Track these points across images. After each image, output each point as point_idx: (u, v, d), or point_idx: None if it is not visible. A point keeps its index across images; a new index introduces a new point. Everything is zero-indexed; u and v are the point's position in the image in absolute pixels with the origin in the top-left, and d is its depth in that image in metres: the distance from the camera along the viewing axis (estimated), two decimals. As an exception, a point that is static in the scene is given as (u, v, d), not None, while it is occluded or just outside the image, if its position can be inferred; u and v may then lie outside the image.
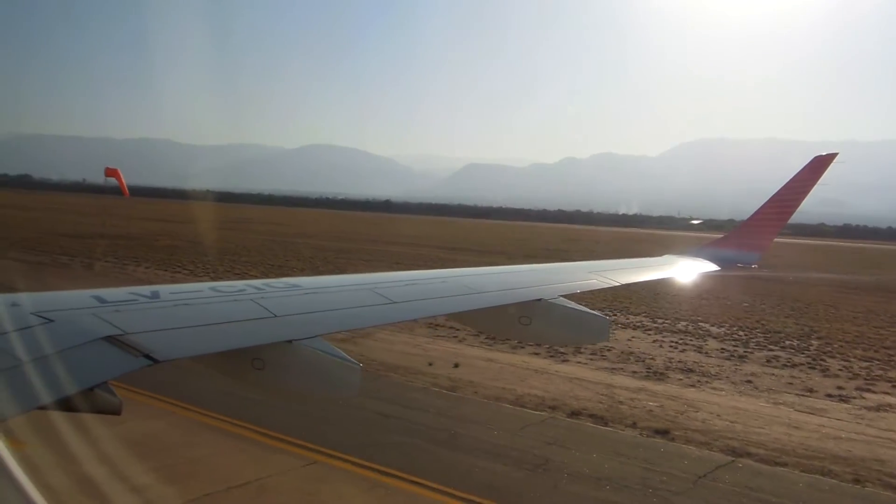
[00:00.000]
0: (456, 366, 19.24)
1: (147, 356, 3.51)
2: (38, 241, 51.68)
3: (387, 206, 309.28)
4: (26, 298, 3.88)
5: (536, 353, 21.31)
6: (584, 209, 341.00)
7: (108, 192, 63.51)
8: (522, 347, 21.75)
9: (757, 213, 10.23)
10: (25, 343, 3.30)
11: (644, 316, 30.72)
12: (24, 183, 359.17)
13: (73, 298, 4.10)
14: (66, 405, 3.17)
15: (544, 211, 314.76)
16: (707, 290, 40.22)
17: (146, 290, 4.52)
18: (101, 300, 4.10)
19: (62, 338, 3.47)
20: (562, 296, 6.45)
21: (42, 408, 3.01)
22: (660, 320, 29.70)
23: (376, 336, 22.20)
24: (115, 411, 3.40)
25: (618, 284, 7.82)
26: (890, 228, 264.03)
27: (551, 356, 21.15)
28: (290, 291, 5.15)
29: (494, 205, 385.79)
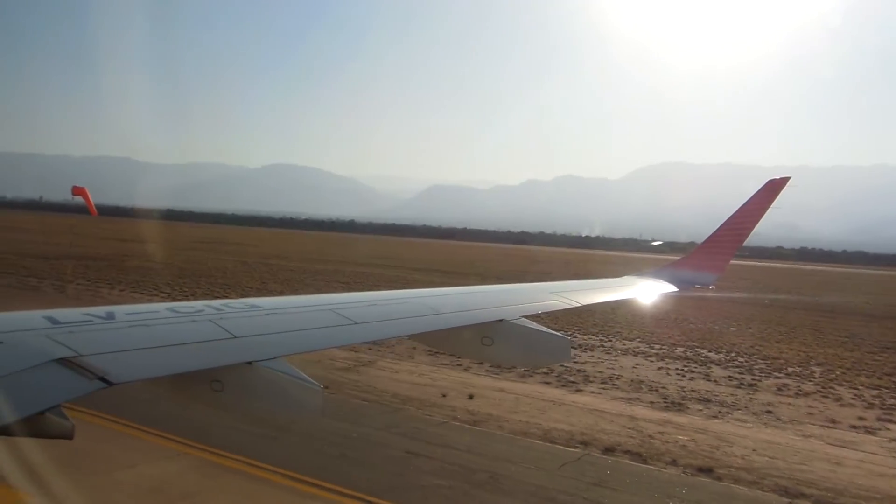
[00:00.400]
0: (471, 397, 18.39)
1: (102, 379, 3.41)
2: (1, 261, 49.50)
3: (351, 227, 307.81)
4: None
5: (546, 383, 20.69)
6: (548, 230, 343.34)
7: (74, 210, 61.60)
8: (531, 376, 21.12)
9: (713, 235, 10.41)
10: None
11: (639, 341, 30.33)
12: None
13: (24, 319, 3.97)
14: (12, 430, 3.03)
15: (508, 232, 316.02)
16: (688, 314, 40.22)
17: (101, 310, 4.38)
18: (53, 321, 3.98)
19: (11, 360, 3.35)
20: (523, 316, 6.45)
21: None
22: (656, 346, 29.35)
23: (379, 364, 21.52)
24: (67, 436, 3.31)
25: (579, 305, 7.87)
26: (845, 252, 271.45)
27: (562, 385, 20.60)
28: (249, 312, 5.06)
29: (458, 226, 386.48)
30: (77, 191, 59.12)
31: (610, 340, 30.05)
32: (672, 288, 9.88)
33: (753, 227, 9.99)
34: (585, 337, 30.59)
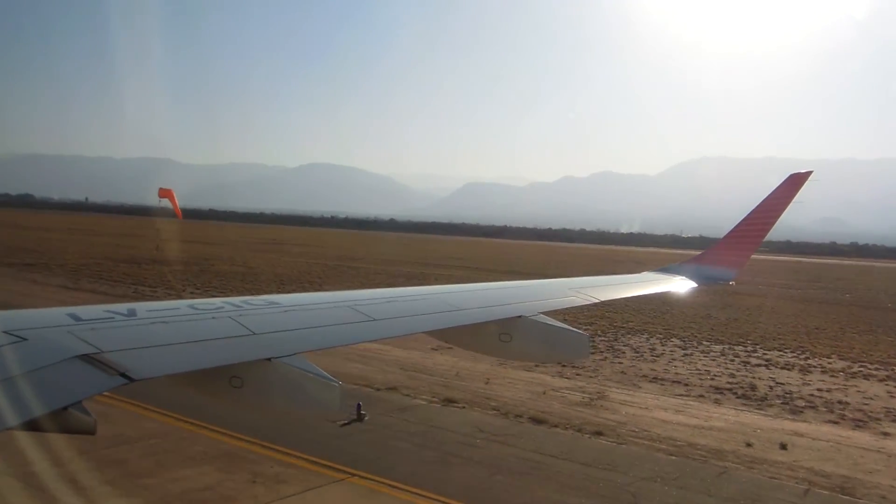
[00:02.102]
0: (783, 447, 15.99)
1: (123, 375, 3.46)
2: (98, 267, 50.32)
3: (392, 225, 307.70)
4: None
5: (644, 390, 21.13)
6: (587, 227, 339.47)
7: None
8: (640, 386, 21.27)
9: (734, 230, 10.36)
10: None
11: (714, 342, 31.21)
12: (26, 203, 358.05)
13: (48, 316, 4.04)
14: (38, 425, 3.10)
15: (549, 230, 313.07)
16: (775, 311, 39.40)
17: (123, 307, 4.46)
18: (76, 318, 4.04)
19: (36, 356, 3.41)
20: (542, 313, 6.51)
21: (11, 428, 2.93)
22: (737, 347, 30.02)
23: (612, 397, 19.81)
24: (90, 431, 3.34)
25: (598, 301, 7.89)
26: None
27: (665, 393, 20.73)
28: (269, 309, 5.11)
29: (496, 223, 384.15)
30: (163, 193, 59.85)
31: (684, 339, 29.33)
32: (692, 284, 9.77)
33: (775, 221, 9.84)
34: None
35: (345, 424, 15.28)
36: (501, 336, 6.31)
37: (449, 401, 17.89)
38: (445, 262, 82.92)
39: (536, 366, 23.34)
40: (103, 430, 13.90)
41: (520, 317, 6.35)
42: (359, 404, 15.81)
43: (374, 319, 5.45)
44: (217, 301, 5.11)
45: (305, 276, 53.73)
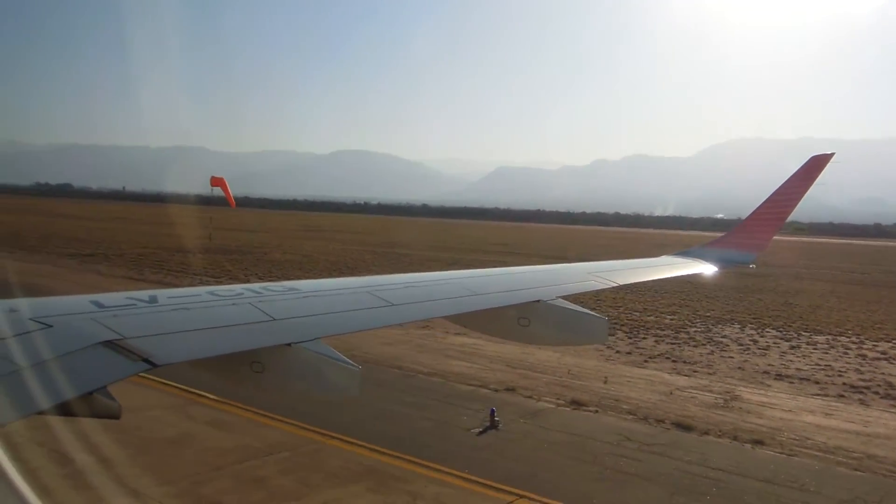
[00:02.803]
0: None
1: (146, 360, 3.52)
2: (155, 257, 49.70)
3: (424, 210, 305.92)
4: (24, 304, 3.87)
5: (774, 388, 19.54)
6: (622, 211, 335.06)
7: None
8: (767, 384, 20.02)
9: (755, 213, 10.26)
10: (24, 348, 3.29)
11: (813, 332, 29.30)
12: (66, 192, 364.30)
13: (72, 303, 4.09)
14: (65, 410, 3.13)
15: (583, 213, 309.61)
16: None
17: (144, 294, 4.49)
18: (99, 305, 4.09)
19: (61, 343, 3.46)
20: (560, 297, 6.47)
21: (41, 413, 2.99)
22: (841, 338, 28.58)
23: (746, 398, 18.02)
24: (115, 415, 3.41)
25: (616, 285, 7.83)
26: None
27: (799, 393, 19.29)
28: (288, 294, 5.11)
29: (528, 208, 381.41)
30: (216, 182, 59.12)
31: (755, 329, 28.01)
32: (712, 267, 9.66)
33: (796, 204, 9.73)
34: None
35: (481, 433, 13.97)
36: (520, 320, 6.27)
37: (577, 403, 16.44)
38: (492, 248, 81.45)
39: (646, 361, 21.94)
40: (226, 441, 13.00)
41: (538, 301, 6.30)
42: (492, 410, 14.47)
43: (394, 304, 5.42)
44: (237, 287, 5.09)
45: (360, 264, 52.71)
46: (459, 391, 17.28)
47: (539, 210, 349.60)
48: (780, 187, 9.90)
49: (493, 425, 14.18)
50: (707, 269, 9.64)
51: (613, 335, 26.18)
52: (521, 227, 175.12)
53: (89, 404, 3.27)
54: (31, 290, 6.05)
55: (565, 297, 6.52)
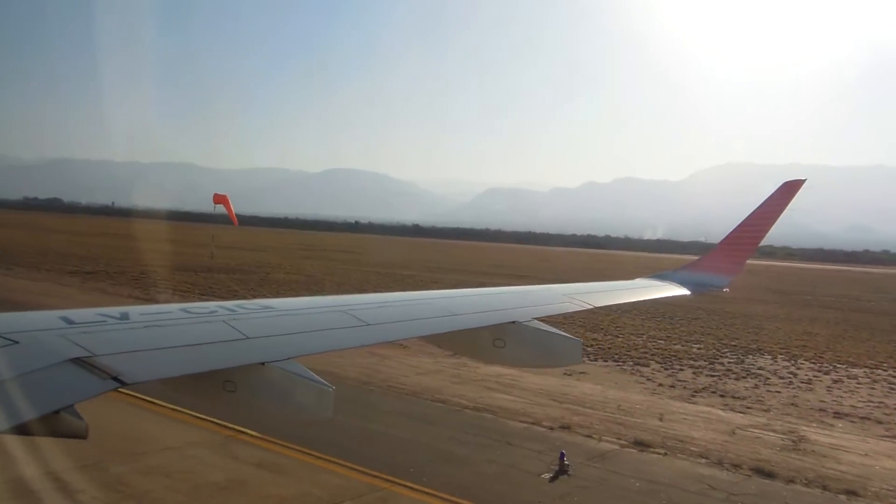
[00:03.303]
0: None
1: (115, 378, 3.43)
2: (156, 275, 48.52)
3: (417, 231, 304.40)
4: None
5: (839, 429, 18.60)
6: (612, 234, 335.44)
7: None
8: (829, 423, 19.27)
9: (728, 238, 10.33)
10: None
11: (848, 364, 28.36)
12: (55, 207, 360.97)
13: (40, 319, 4.01)
14: (28, 429, 3.03)
15: (573, 236, 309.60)
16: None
17: (115, 311, 4.42)
18: (68, 321, 4.02)
19: (27, 360, 3.36)
20: (535, 318, 6.46)
21: (2, 432, 2.90)
22: (879, 371, 27.64)
23: (816, 439, 16.90)
24: (81, 435, 3.33)
25: (591, 307, 7.81)
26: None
27: (868, 434, 18.30)
28: (263, 313, 5.09)
29: (519, 229, 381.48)
30: (219, 199, 58.07)
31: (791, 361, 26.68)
32: (684, 291, 9.69)
33: (769, 228, 9.85)
34: None
35: (552, 479, 12.87)
36: (495, 342, 6.25)
37: (641, 444, 15.35)
38: (494, 270, 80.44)
39: (693, 395, 20.92)
40: (283, 487, 11.79)
41: (514, 322, 6.31)
42: (562, 454, 13.37)
43: (369, 324, 5.40)
44: (211, 304, 5.05)
45: (366, 285, 51.53)
46: (513, 429, 16.17)
47: (530, 231, 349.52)
48: (754, 213, 10.00)
49: (564, 470, 13.09)
50: (680, 292, 9.65)
51: (647, 366, 25.25)
52: (516, 249, 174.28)
53: (56, 423, 3.18)
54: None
55: (540, 319, 6.52)
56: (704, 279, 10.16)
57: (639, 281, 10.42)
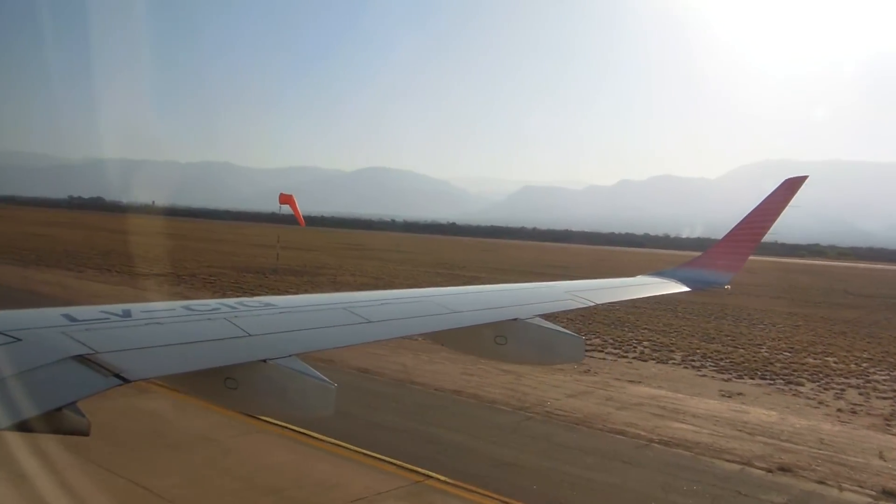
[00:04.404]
0: None
1: (117, 376, 3.43)
2: (227, 277, 46.97)
3: (454, 229, 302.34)
4: None
5: None
6: (652, 232, 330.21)
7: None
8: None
9: (729, 235, 10.28)
10: None
11: None
12: (98, 205, 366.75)
13: (43, 317, 3.99)
14: (30, 426, 3.04)
15: (612, 234, 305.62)
16: None
17: (118, 308, 4.42)
18: (71, 318, 4.02)
19: (30, 357, 3.36)
20: (538, 315, 6.43)
21: (2, 430, 2.90)
22: None
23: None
24: (83, 432, 3.26)
25: (593, 304, 7.73)
26: None
27: None
28: (264, 310, 5.04)
29: (555, 227, 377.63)
30: (284, 199, 56.67)
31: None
32: (684, 288, 9.55)
33: (770, 226, 9.69)
34: None
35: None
36: (497, 339, 6.18)
37: (891, 495, 12.89)
38: (551, 270, 77.71)
39: (888, 424, 18.29)
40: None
41: (515, 319, 6.23)
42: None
43: (370, 321, 5.33)
44: (212, 302, 5.00)
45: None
46: (728, 472, 13.67)
47: (567, 230, 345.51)
48: (755, 210, 9.88)
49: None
50: (680, 289, 9.52)
51: (801, 384, 22.73)
52: (565, 249, 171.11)
53: (58, 420, 3.14)
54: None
55: (542, 316, 6.42)
56: (704, 276, 10.02)
57: (640, 278, 10.17)
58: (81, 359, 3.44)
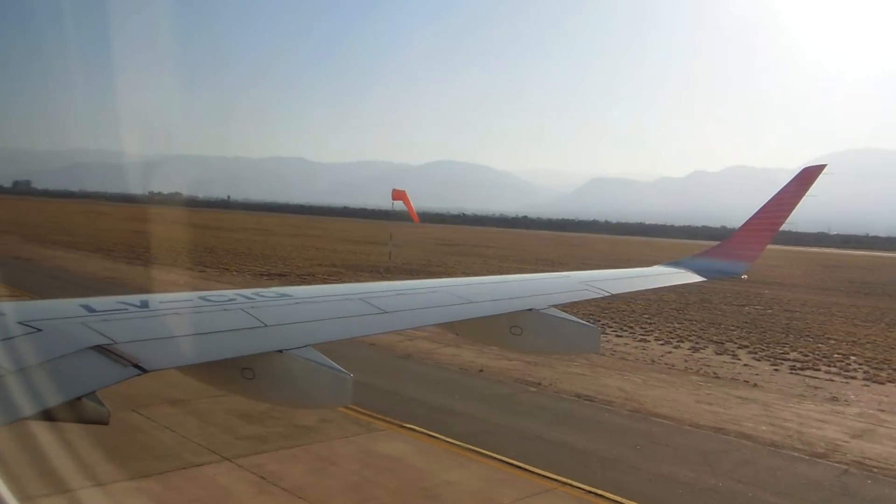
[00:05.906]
0: None
1: (136, 366, 3.44)
2: (346, 277, 45.43)
3: (525, 222, 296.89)
4: (12, 307, 3.77)
5: None
6: (728, 225, 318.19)
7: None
8: None
9: (745, 225, 10.25)
10: (10, 353, 3.21)
11: None
12: (175, 201, 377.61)
13: (62, 308, 3.98)
14: (51, 415, 3.07)
15: (689, 227, 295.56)
16: None
17: (135, 299, 4.41)
18: (89, 309, 4.01)
19: (50, 347, 3.38)
20: (553, 306, 6.41)
21: (25, 418, 2.91)
22: None
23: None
24: (103, 421, 3.28)
25: (609, 294, 7.67)
26: None
27: None
28: (280, 301, 5.03)
29: (625, 220, 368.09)
30: (397, 195, 55.11)
31: None
32: (699, 278, 9.50)
33: (787, 215, 9.63)
34: None
35: None
36: (512, 329, 6.18)
37: None
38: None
39: None
40: None
41: (530, 310, 6.21)
42: None
43: (386, 312, 5.30)
44: (229, 293, 4.98)
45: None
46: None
47: (641, 223, 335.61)
48: (771, 200, 9.81)
49: None
50: (695, 279, 9.41)
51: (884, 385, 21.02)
52: (648, 243, 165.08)
53: (78, 409, 3.17)
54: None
55: (557, 307, 6.39)
56: (720, 266, 9.92)
57: (656, 268, 10.09)
58: (100, 349, 3.46)
